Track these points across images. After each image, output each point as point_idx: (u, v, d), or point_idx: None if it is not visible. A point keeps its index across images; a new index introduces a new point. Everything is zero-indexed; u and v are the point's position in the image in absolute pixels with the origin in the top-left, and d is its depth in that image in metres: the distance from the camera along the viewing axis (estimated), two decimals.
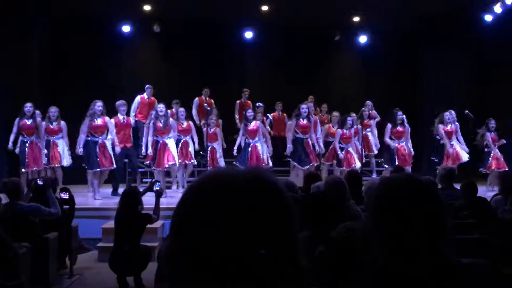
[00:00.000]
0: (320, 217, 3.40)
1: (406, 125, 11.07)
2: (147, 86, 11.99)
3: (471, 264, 1.51)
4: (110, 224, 7.60)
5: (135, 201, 6.19)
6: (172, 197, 9.74)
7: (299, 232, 1.02)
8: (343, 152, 10.94)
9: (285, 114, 12.97)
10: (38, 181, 6.30)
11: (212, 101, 12.77)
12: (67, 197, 6.60)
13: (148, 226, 6.40)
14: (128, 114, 10.94)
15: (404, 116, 11.05)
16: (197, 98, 12.61)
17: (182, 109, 10.88)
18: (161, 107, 10.29)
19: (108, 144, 9.95)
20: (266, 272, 0.93)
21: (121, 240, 6.15)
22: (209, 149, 10.85)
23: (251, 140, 10.65)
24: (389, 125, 11.00)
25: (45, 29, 12.68)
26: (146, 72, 13.90)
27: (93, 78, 13.34)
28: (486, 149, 11.33)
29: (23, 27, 11.79)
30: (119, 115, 10.40)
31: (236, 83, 14.66)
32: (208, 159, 10.78)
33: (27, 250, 5.42)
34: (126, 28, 13.68)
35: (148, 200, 7.03)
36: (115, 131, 10.07)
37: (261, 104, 12.45)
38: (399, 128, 10.96)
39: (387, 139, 10.93)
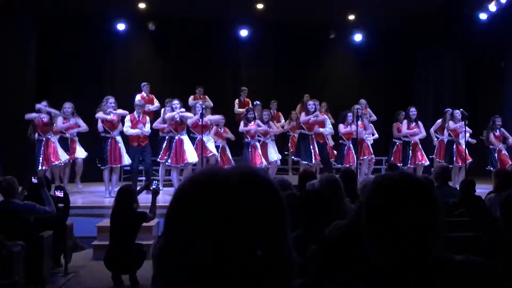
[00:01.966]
0: (314, 215, 3.40)
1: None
2: (143, 84, 11.97)
3: (463, 262, 1.51)
4: (105, 222, 7.61)
5: (131, 199, 6.19)
6: (169, 195, 9.73)
7: (291, 231, 1.03)
8: (345, 149, 10.99)
9: (280, 113, 12.97)
10: (33, 179, 6.28)
11: (206, 96, 12.71)
12: (62, 196, 6.59)
13: (144, 224, 6.40)
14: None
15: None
16: (192, 97, 12.60)
17: (200, 104, 10.88)
18: (175, 103, 10.33)
19: (120, 139, 10.07)
20: (257, 270, 0.93)
21: (117, 238, 6.14)
22: (219, 148, 11.02)
23: (251, 140, 10.73)
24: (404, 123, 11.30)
25: (39, 27, 12.63)
26: (140, 70, 13.88)
27: (88, 76, 13.31)
28: (491, 147, 11.37)
29: (16, 26, 11.74)
30: (135, 113, 10.42)
31: (231, 82, 14.68)
32: (219, 157, 10.85)
33: (21, 249, 5.41)
34: (121, 26, 13.64)
35: (147, 198, 7.04)
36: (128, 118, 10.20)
37: (258, 102, 12.48)
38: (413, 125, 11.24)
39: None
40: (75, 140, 10.62)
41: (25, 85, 11.93)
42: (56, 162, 10.02)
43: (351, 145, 11.01)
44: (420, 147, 11.39)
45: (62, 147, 10.31)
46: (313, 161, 10.75)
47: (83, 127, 10.59)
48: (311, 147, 10.82)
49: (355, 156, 10.90)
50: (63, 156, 10.17)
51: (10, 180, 5.97)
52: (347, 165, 10.56)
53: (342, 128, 11.07)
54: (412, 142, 11.28)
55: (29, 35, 12.25)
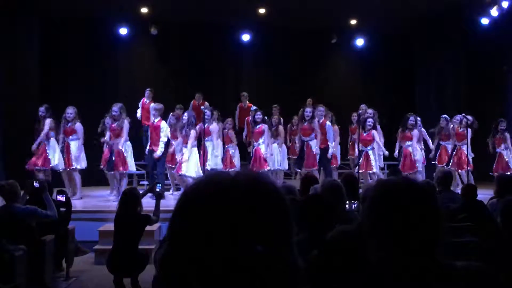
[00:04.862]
0: (317, 220, 3.40)
1: (415, 129, 11.10)
2: (147, 89, 11.93)
3: (465, 268, 1.51)
4: (107, 226, 7.62)
5: (135, 203, 6.18)
6: (170, 200, 9.71)
7: (295, 234, 1.03)
8: (362, 156, 10.69)
9: (281, 118, 12.96)
10: (35, 184, 6.28)
11: (206, 102, 12.62)
12: (64, 200, 6.58)
13: (146, 228, 6.39)
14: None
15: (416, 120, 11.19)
16: (191, 102, 12.59)
17: (207, 111, 10.81)
18: (186, 115, 10.25)
19: (126, 147, 10.09)
20: (262, 274, 0.94)
21: (120, 241, 6.13)
22: (224, 150, 11.06)
23: (255, 143, 10.72)
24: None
25: (41, 30, 12.68)
26: (142, 74, 13.92)
27: (90, 80, 13.35)
28: (497, 150, 11.32)
29: (19, 28, 11.79)
30: (151, 117, 10.44)
31: (233, 86, 14.69)
32: (223, 161, 10.87)
33: (23, 253, 5.41)
34: (123, 31, 13.68)
35: (149, 202, 7.04)
36: (126, 135, 10.14)
37: (254, 107, 12.49)
38: (406, 133, 10.99)
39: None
40: (69, 147, 10.24)
41: (27, 87, 11.97)
42: (40, 167, 9.85)
43: (369, 152, 10.78)
44: (412, 155, 11.03)
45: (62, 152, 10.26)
46: (302, 167, 10.63)
47: (81, 138, 10.38)
48: (306, 153, 10.73)
49: (373, 163, 10.80)
50: (52, 162, 9.98)
51: (12, 184, 5.98)
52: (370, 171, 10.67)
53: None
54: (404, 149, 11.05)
55: (31, 38, 12.31)
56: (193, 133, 10.05)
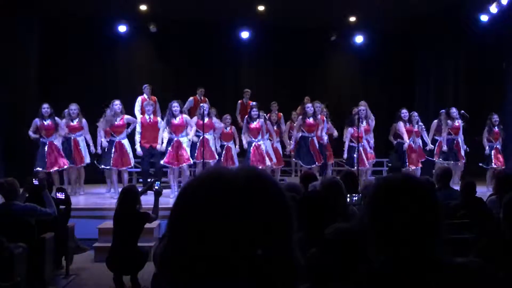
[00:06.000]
0: (315, 217, 3.40)
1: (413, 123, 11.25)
2: (144, 85, 11.90)
3: (464, 264, 1.51)
4: (106, 224, 7.62)
5: (134, 200, 6.18)
6: (169, 197, 9.71)
7: (296, 232, 1.03)
8: (356, 152, 10.72)
9: (281, 114, 12.95)
10: (34, 181, 6.27)
11: (207, 99, 12.66)
12: (63, 197, 6.58)
13: (145, 226, 6.39)
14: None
15: (413, 115, 11.35)
16: (192, 98, 12.58)
17: (205, 105, 10.72)
18: (175, 105, 10.12)
19: (126, 143, 10.06)
20: (262, 271, 0.94)
21: (120, 239, 6.14)
22: (224, 147, 11.03)
23: (253, 139, 10.71)
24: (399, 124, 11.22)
25: (41, 28, 12.67)
26: (141, 72, 13.90)
27: (89, 77, 13.35)
28: (489, 144, 11.34)
29: (17, 27, 11.77)
30: (145, 115, 10.46)
31: (232, 83, 14.68)
32: (223, 158, 10.88)
33: (23, 251, 5.41)
34: (122, 28, 13.67)
35: (148, 200, 7.03)
36: (139, 127, 10.25)
37: (254, 103, 12.46)
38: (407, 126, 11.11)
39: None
40: (77, 143, 10.36)
41: (27, 86, 11.96)
42: (56, 168, 9.92)
43: (361, 148, 10.82)
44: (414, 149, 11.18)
45: (65, 149, 10.26)
46: (315, 163, 10.72)
47: (87, 133, 10.52)
48: (311, 149, 10.77)
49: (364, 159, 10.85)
50: (65, 162, 10.05)
51: (11, 182, 5.97)
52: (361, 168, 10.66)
53: (351, 131, 10.93)
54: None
55: (31, 36, 12.30)
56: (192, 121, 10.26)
